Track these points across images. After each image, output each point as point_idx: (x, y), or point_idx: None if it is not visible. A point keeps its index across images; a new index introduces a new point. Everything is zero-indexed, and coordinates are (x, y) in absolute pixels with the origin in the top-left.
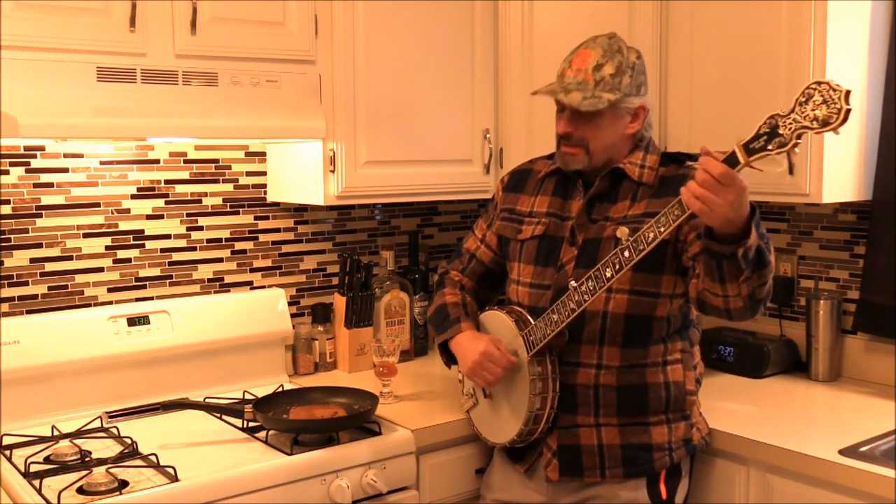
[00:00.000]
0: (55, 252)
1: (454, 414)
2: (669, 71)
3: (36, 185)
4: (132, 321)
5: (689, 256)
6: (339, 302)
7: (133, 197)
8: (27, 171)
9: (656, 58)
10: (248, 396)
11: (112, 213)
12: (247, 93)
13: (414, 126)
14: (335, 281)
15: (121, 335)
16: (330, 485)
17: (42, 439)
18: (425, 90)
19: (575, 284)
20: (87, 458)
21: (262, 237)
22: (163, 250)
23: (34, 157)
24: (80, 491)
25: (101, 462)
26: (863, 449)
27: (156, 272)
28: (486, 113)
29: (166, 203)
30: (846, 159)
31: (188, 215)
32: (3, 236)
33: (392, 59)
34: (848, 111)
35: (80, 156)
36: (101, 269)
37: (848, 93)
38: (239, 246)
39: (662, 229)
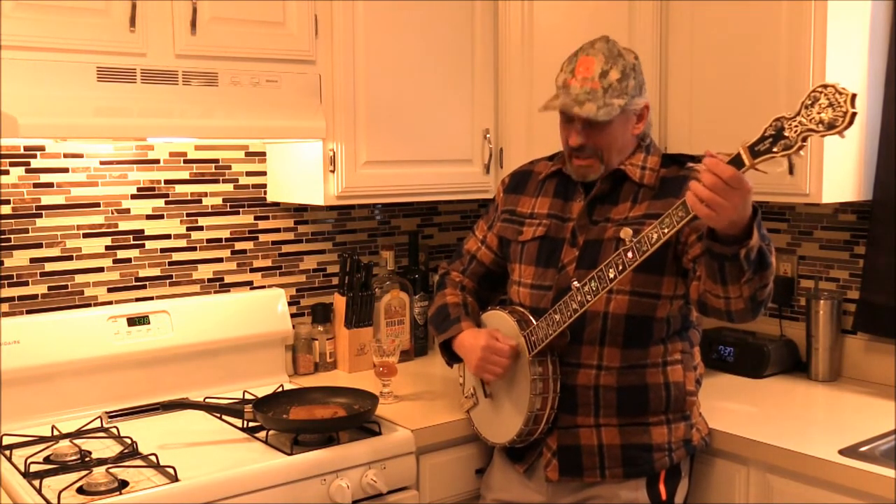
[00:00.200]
0: (55, 252)
1: (454, 414)
2: (669, 71)
3: (36, 185)
4: (132, 321)
5: (689, 258)
6: (339, 302)
7: (133, 197)
8: (27, 171)
9: (656, 58)
10: (248, 396)
11: (112, 213)
12: (247, 93)
13: (414, 126)
14: (335, 281)
15: (121, 335)
16: (330, 485)
17: (42, 439)
18: (425, 90)
19: (578, 285)
20: (87, 458)
21: (262, 237)
22: (163, 250)
23: (34, 157)
24: (80, 491)
25: (101, 462)
26: (863, 449)
27: (156, 272)
28: (486, 113)
29: (166, 203)
30: (846, 159)
31: (188, 215)
32: (3, 236)
33: (392, 59)
34: (854, 115)
35: (80, 156)
36: (101, 269)
37: (854, 96)
38: (239, 246)
39: (666, 230)
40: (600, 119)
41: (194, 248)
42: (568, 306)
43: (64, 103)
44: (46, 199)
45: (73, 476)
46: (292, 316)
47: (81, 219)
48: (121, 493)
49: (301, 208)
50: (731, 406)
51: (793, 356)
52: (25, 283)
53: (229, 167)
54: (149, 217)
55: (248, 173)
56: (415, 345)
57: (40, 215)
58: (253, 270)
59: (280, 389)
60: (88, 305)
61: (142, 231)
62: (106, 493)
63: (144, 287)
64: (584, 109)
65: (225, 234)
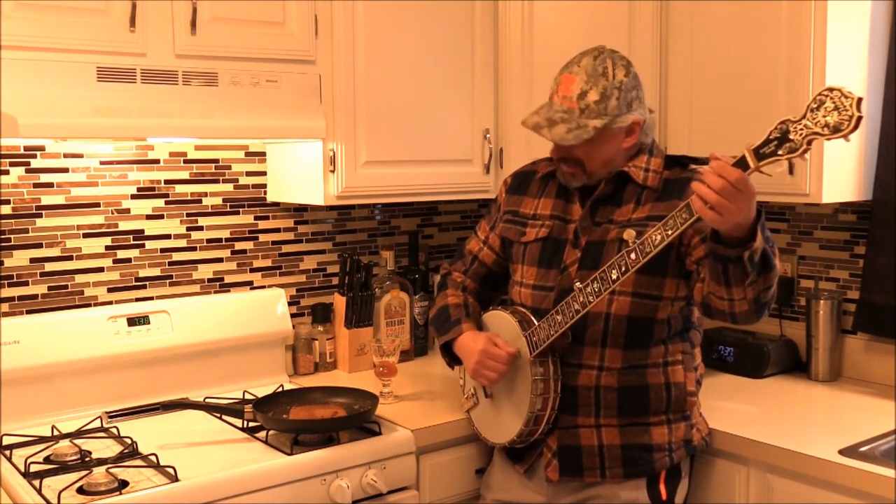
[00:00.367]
0: (55, 252)
1: (454, 414)
2: (669, 71)
3: (36, 185)
4: (132, 321)
5: (693, 260)
6: (339, 302)
7: (133, 197)
8: (27, 171)
9: (656, 58)
10: (248, 396)
11: (112, 213)
12: (247, 93)
13: (414, 126)
14: (335, 281)
15: (121, 335)
16: (330, 485)
17: (42, 439)
18: (425, 90)
19: (580, 285)
20: (87, 458)
21: (262, 237)
22: (163, 250)
23: (34, 157)
24: (80, 491)
25: (101, 462)
26: (863, 449)
27: (156, 272)
28: (486, 113)
29: (166, 203)
30: (846, 159)
31: (188, 215)
32: (3, 236)
33: (392, 59)
34: (859, 118)
35: (80, 156)
36: (101, 269)
37: (860, 100)
38: (239, 246)
39: (670, 232)
40: (568, 143)
41: (194, 248)
42: (570, 307)
43: (64, 103)
44: (46, 199)
45: (73, 476)
46: (292, 316)
47: (81, 219)
48: (121, 493)
49: (301, 208)
50: (731, 406)
51: (793, 356)
52: (25, 283)
53: (229, 167)
54: (149, 217)
55: (248, 173)
56: (415, 345)
57: (40, 215)
58: (253, 270)
59: (280, 389)
60: (88, 305)
61: (142, 231)
62: (106, 493)
63: (144, 287)
64: (554, 132)
65: (225, 234)
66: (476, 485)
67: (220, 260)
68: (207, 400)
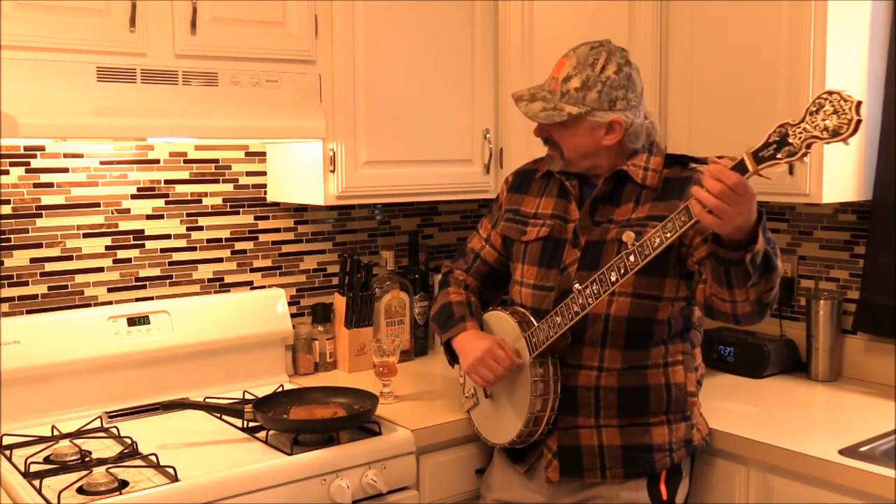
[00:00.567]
0: (55, 252)
1: (454, 414)
2: (669, 71)
3: (36, 185)
4: (132, 321)
5: (694, 261)
6: (339, 302)
7: (133, 197)
8: (27, 171)
9: (656, 58)
10: (248, 396)
11: (112, 213)
12: (247, 93)
13: (414, 126)
14: (335, 281)
15: (121, 335)
16: (330, 485)
17: (42, 439)
18: (425, 90)
19: (579, 287)
20: (87, 458)
21: (262, 237)
22: (163, 250)
23: (34, 157)
24: (80, 491)
25: (101, 462)
26: (863, 449)
27: (156, 272)
28: (486, 113)
29: (166, 203)
30: (846, 159)
31: (188, 215)
32: (3, 236)
33: (392, 59)
34: (858, 122)
35: (80, 156)
36: (101, 269)
37: (859, 104)
38: (239, 246)
39: (669, 235)
40: (539, 120)
41: (194, 248)
42: (569, 309)
43: (64, 103)
44: (46, 199)
45: (73, 476)
46: (292, 316)
47: (81, 219)
48: (121, 493)
49: (301, 208)
50: (731, 406)
51: (793, 356)
52: (25, 283)
53: (229, 167)
54: (149, 217)
55: (248, 173)
56: (415, 345)
57: (40, 215)
58: (253, 270)
59: (280, 389)
60: (88, 305)
61: (142, 231)
62: (106, 493)
63: (144, 287)
64: (529, 107)
65: (225, 234)
66: (476, 485)
67: (220, 260)
68: (207, 400)
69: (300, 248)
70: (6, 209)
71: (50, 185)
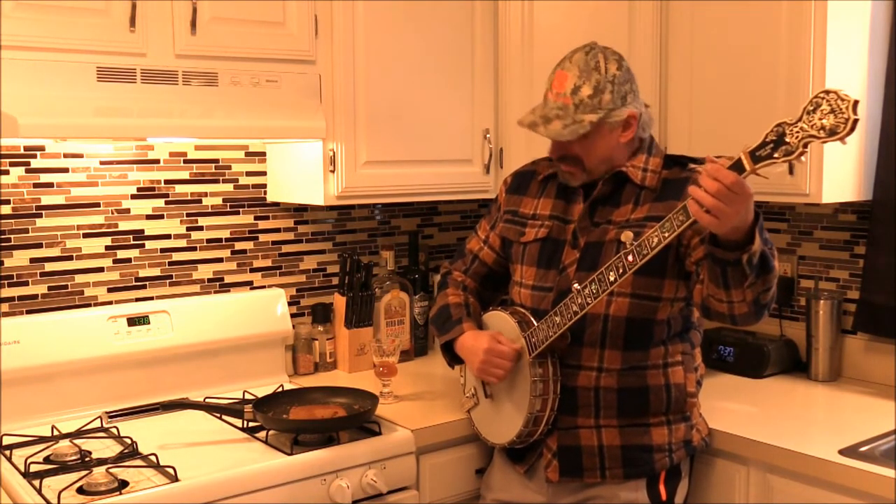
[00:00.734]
0: (55, 252)
1: (454, 414)
2: (669, 71)
3: (36, 185)
4: (132, 321)
5: (692, 261)
6: (339, 302)
7: (133, 197)
8: (27, 171)
9: (656, 58)
10: (248, 396)
11: (112, 213)
12: (247, 93)
13: (414, 126)
14: (335, 281)
15: (121, 335)
16: (330, 485)
17: (42, 439)
18: (425, 90)
19: (578, 287)
20: (87, 458)
21: (262, 237)
22: (163, 250)
23: (34, 157)
24: (80, 491)
25: (101, 462)
26: (863, 449)
27: (156, 272)
28: (486, 113)
29: (166, 203)
30: (846, 159)
31: (188, 215)
32: (3, 236)
33: (392, 59)
34: (855, 121)
35: (80, 156)
36: (101, 269)
37: (856, 103)
38: (239, 246)
39: (667, 234)
40: (565, 138)
41: (194, 248)
42: (568, 308)
43: (64, 103)
44: (46, 199)
45: (73, 476)
46: (292, 316)
47: (81, 219)
48: (121, 493)
49: (301, 208)
50: (731, 406)
51: (793, 356)
52: (25, 283)
53: (229, 167)
54: (149, 217)
55: (248, 173)
56: (415, 345)
57: (40, 215)
58: (253, 270)
59: (280, 389)
60: (88, 305)
61: (142, 231)
62: (106, 493)
63: (144, 287)
64: (550, 129)
65: (225, 234)
66: (476, 485)
67: (220, 260)
68: (207, 400)
69: (300, 248)
70: (6, 209)
71: (50, 185)
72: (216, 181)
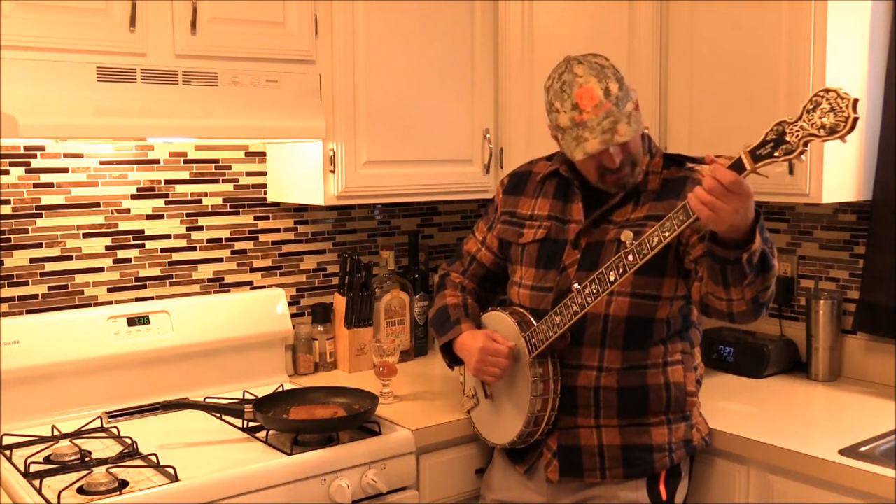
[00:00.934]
0: (55, 252)
1: (454, 414)
2: (669, 71)
3: (36, 185)
4: (132, 321)
5: (691, 259)
6: (339, 302)
7: (133, 197)
8: (27, 171)
9: (656, 58)
10: (248, 396)
11: (112, 213)
12: (247, 93)
13: (414, 126)
14: (335, 281)
15: (121, 335)
16: (330, 485)
17: (42, 439)
18: (425, 90)
19: (578, 287)
20: (87, 458)
21: (262, 237)
22: (163, 250)
23: (34, 157)
24: (80, 491)
25: (101, 462)
26: (863, 449)
27: (156, 272)
28: (486, 113)
29: (166, 203)
30: (846, 159)
31: (188, 215)
32: (3, 236)
33: (392, 58)
34: (855, 120)
35: (80, 156)
36: (101, 269)
37: (856, 101)
38: (239, 246)
39: (667, 234)
40: (634, 135)
41: (194, 248)
42: (568, 308)
43: (64, 103)
44: (46, 199)
45: (73, 476)
46: (292, 316)
47: (81, 219)
48: (121, 493)
49: (301, 208)
50: (731, 406)
51: (793, 356)
52: (25, 283)
53: (229, 167)
54: (149, 217)
55: (248, 173)
56: (415, 345)
57: (40, 215)
58: (253, 270)
59: (280, 389)
60: (88, 305)
61: (142, 231)
62: (106, 493)
63: (144, 287)
64: (621, 134)
65: (225, 234)
66: (476, 485)
67: (220, 260)
68: (207, 400)
69: (300, 248)
70: (6, 209)
71: (50, 185)
72: (216, 181)
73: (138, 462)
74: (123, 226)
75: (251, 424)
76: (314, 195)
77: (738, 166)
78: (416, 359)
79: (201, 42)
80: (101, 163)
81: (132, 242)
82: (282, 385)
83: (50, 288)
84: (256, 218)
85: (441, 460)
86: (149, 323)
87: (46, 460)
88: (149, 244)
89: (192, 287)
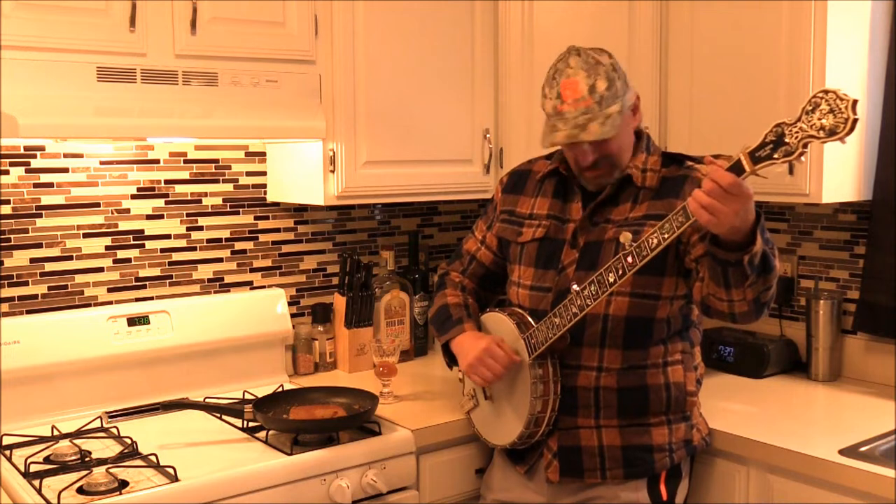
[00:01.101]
0: (55, 252)
1: (454, 414)
2: (669, 71)
3: (36, 185)
4: (132, 321)
5: (692, 259)
6: (339, 302)
7: (133, 197)
8: (27, 171)
9: (656, 58)
10: (248, 396)
11: (112, 213)
12: (247, 93)
13: (414, 126)
14: (335, 281)
15: (121, 335)
16: (330, 485)
17: (42, 439)
18: (425, 90)
19: (577, 288)
20: (87, 458)
21: (262, 237)
22: (163, 250)
23: (34, 157)
24: (80, 491)
25: (101, 462)
26: (863, 449)
27: (156, 272)
28: (486, 113)
29: (166, 203)
30: (846, 159)
31: (188, 215)
32: (3, 236)
33: (392, 58)
34: (855, 121)
35: (80, 156)
36: (101, 269)
37: (855, 102)
38: (239, 246)
39: (666, 236)
40: (609, 135)
41: (194, 248)
42: (568, 310)
43: (64, 103)
44: (46, 199)
45: (73, 476)
46: (292, 316)
47: (81, 219)
48: (121, 493)
49: (301, 208)
50: (731, 406)
51: (793, 356)
52: (25, 283)
53: (229, 167)
54: (149, 217)
55: (248, 173)
56: (415, 345)
57: (40, 215)
58: (253, 270)
59: (280, 389)
60: (88, 305)
61: (142, 231)
62: (106, 493)
63: (144, 287)
64: (590, 132)
65: (225, 234)
66: (476, 485)
67: (220, 260)
68: (207, 400)
69: (300, 248)
70: (6, 209)
71: (50, 185)
72: (216, 181)
73: (138, 462)
74: (123, 226)
75: (251, 424)
76: (314, 195)
77: (737, 168)
78: (416, 359)
79: (201, 42)
80: (101, 163)
81: (132, 242)
82: (282, 385)
83: (50, 288)
84: (256, 218)
85: (441, 460)
86: (149, 323)
87: (46, 460)
88: (149, 244)
89: (192, 287)
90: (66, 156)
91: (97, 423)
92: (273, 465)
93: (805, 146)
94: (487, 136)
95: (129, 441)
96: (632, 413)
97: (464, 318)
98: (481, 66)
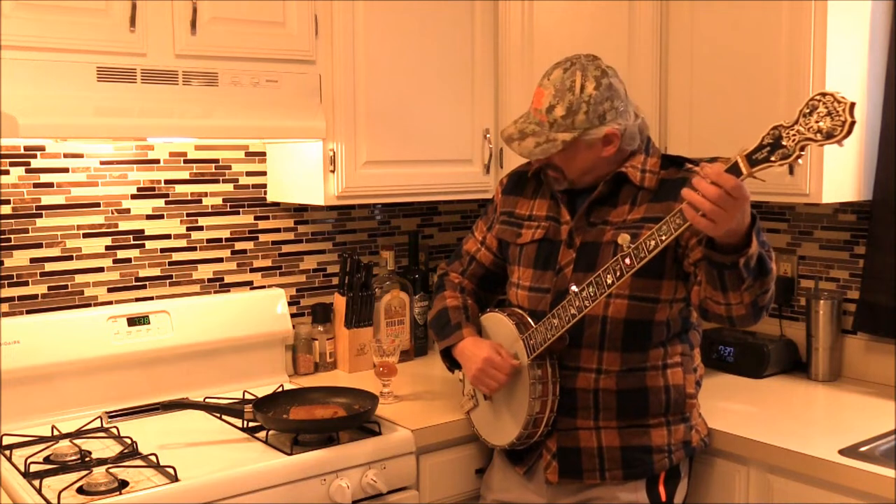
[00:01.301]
0: (55, 252)
1: (454, 414)
2: (669, 71)
3: (36, 185)
4: (132, 321)
5: (690, 262)
6: (339, 302)
7: (133, 197)
8: (27, 171)
9: (656, 58)
10: (248, 396)
11: (112, 213)
12: (247, 93)
13: (414, 126)
14: (335, 281)
15: (121, 335)
16: (330, 485)
17: (42, 439)
18: (425, 90)
19: (576, 290)
20: (87, 458)
21: (262, 237)
22: (163, 250)
23: (34, 157)
24: (80, 491)
25: (101, 462)
26: (863, 449)
27: (156, 272)
28: (486, 113)
29: (166, 203)
30: (846, 159)
31: (188, 215)
32: (3, 236)
33: (392, 58)
34: (852, 124)
35: (80, 156)
36: (101, 269)
37: (853, 105)
38: (239, 246)
39: (664, 238)
40: (535, 157)
41: (194, 248)
42: (566, 311)
43: (64, 103)
44: (46, 199)
45: (73, 476)
46: (292, 316)
47: (81, 219)
48: (121, 493)
49: (301, 208)
50: (731, 406)
51: (793, 356)
52: (25, 283)
53: (229, 167)
54: (149, 217)
55: (248, 173)
56: (415, 345)
57: (40, 215)
58: (253, 270)
59: (280, 389)
60: (88, 305)
61: (142, 231)
62: (106, 493)
63: (144, 287)
64: (523, 146)
65: (225, 234)
66: (476, 485)
67: (220, 260)
68: (207, 400)
69: (300, 248)
70: (6, 209)
71: (50, 185)
72: (216, 181)
73: (138, 462)
74: (123, 226)
75: (251, 424)
76: (314, 195)
77: (734, 171)
78: (416, 359)
79: (201, 42)
80: (101, 163)
81: (132, 242)
82: (282, 385)
83: (50, 288)
84: (256, 218)
85: (441, 460)
86: (149, 323)
87: (46, 460)
88: (149, 244)
89: (192, 287)
90: (66, 156)
91: (97, 423)
92: (273, 465)
93: (802, 149)
94: (487, 136)
95: (129, 441)
96: (631, 415)
97: (462, 322)
98: (481, 66)
